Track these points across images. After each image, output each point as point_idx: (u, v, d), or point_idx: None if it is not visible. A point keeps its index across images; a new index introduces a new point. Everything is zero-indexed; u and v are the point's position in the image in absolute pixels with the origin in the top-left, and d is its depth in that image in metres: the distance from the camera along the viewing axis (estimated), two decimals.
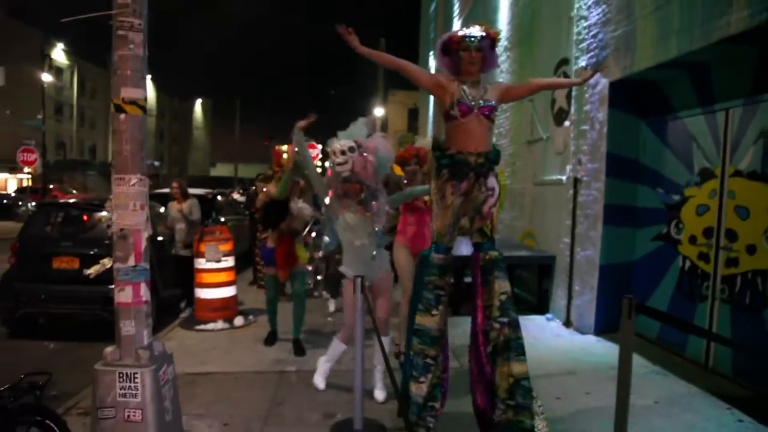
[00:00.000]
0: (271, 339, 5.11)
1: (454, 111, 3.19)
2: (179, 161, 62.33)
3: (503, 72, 8.43)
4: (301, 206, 5.01)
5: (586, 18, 5.60)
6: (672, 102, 4.92)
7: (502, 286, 3.26)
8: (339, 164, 3.53)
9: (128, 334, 2.78)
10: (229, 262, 5.79)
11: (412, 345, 3.27)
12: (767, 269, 3.79)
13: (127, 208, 2.75)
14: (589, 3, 5.54)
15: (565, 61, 6.10)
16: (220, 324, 5.56)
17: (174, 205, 6.33)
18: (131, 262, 2.77)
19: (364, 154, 3.56)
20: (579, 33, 5.74)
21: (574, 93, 5.85)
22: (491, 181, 3.31)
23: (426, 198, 4.36)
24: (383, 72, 24.89)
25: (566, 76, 6.03)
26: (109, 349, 2.81)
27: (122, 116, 2.73)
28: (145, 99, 2.83)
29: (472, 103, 3.19)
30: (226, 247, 5.76)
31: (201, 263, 5.67)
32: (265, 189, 5.66)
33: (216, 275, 5.64)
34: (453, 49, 3.24)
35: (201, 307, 5.69)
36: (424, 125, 18.38)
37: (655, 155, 5.12)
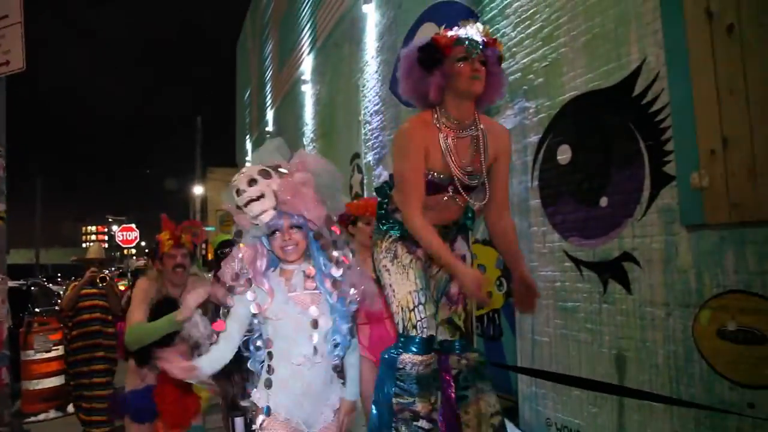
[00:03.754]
0: None
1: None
2: None
3: None
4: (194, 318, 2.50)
5: (369, 123, 7.13)
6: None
7: (491, 404, 2.33)
8: (249, 202, 1.93)
9: None
10: (59, 350, 5.98)
11: None
12: (500, 308, 5.34)
13: None
14: (371, 111, 7.08)
15: (357, 155, 7.56)
16: (52, 413, 5.69)
17: None
18: None
19: (293, 173, 1.98)
20: (365, 134, 7.25)
21: (365, 181, 7.29)
22: (460, 246, 2.42)
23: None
24: (201, 148, 25.28)
25: (359, 168, 7.47)
26: None
27: None
28: (6, 211, 3.42)
29: (461, 173, 2.21)
30: (56, 336, 5.96)
31: (29, 355, 5.79)
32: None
33: (47, 365, 5.79)
34: (445, 56, 2.15)
35: (30, 399, 5.75)
36: None
37: None
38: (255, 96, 16.23)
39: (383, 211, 2.40)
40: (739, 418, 2.64)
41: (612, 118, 3.41)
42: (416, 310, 2.19)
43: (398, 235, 2.32)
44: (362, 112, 7.39)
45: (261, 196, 1.92)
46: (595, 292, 3.57)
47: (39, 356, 5.80)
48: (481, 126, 2.28)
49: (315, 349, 1.94)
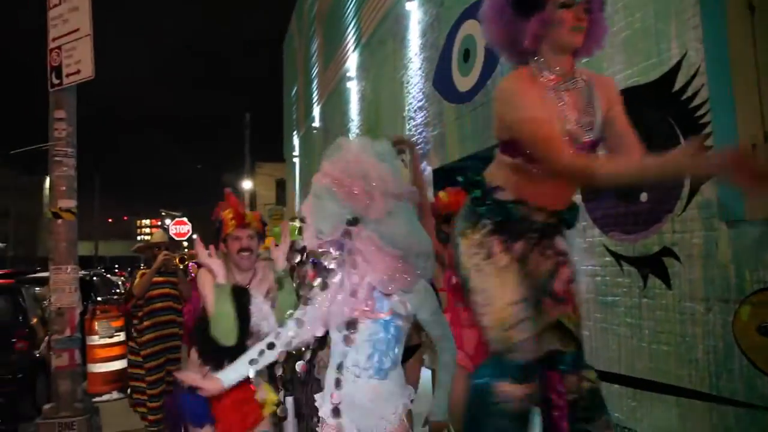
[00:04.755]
0: None
1: None
2: (27, 241, 57.33)
3: None
4: (263, 309, 2.49)
5: (413, 119, 7.24)
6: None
7: None
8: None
9: (65, 391, 3.52)
10: (121, 336, 6.36)
11: None
12: None
13: (63, 292, 3.57)
14: (415, 107, 7.19)
15: (401, 151, 7.68)
16: (115, 395, 6.06)
17: None
18: (67, 333, 3.56)
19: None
20: (410, 129, 7.36)
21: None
22: (561, 243, 2.02)
23: None
24: (249, 144, 25.98)
25: (403, 163, 7.58)
26: (47, 406, 3.53)
27: (59, 221, 3.58)
28: (77, 207, 3.71)
29: (576, 129, 1.86)
30: (118, 323, 6.34)
31: (93, 340, 6.18)
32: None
33: (110, 350, 6.17)
34: (543, 2, 1.81)
35: (95, 382, 6.14)
36: (292, 197, 19.56)
37: None
38: (302, 92, 16.56)
39: (479, 192, 1.96)
40: None
41: (652, 114, 3.41)
42: (518, 327, 1.76)
43: (497, 221, 1.91)
44: (406, 108, 7.50)
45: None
46: (635, 286, 3.59)
47: (102, 341, 6.18)
48: (584, 77, 1.96)
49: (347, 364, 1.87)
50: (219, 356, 2.30)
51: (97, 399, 5.99)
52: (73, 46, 3.35)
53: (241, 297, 2.36)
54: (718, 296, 2.99)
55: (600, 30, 1.94)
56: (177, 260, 4.41)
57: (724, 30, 2.88)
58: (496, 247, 1.90)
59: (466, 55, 5.77)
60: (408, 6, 7.21)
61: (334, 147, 2.01)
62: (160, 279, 4.41)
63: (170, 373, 4.30)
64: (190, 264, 5.46)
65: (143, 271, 4.51)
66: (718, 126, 2.95)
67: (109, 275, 15.54)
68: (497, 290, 1.83)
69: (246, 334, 2.34)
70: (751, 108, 2.73)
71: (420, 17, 7.03)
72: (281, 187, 28.39)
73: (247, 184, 26.67)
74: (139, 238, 55.53)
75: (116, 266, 30.28)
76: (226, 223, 2.54)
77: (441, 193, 2.98)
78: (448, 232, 2.86)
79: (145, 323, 4.35)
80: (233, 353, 2.21)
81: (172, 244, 4.95)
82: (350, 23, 10.40)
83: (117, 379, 6.18)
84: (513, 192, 1.94)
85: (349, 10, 10.49)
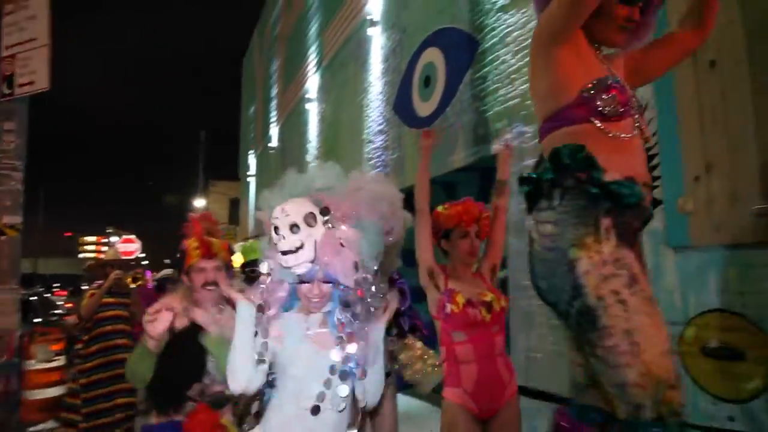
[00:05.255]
0: None
1: (607, 103, 1.58)
2: None
3: None
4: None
5: (373, 142, 7.30)
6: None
7: None
8: (286, 252, 1.71)
9: None
10: (60, 361, 6.04)
11: None
12: None
13: (2, 313, 3.38)
14: (375, 131, 7.26)
15: None
16: (51, 423, 5.73)
17: None
18: (4, 358, 3.36)
19: (336, 227, 1.76)
20: (368, 152, 7.42)
21: None
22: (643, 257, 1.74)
23: (485, 295, 2.50)
24: (203, 161, 25.60)
25: None
26: None
27: (1, 238, 3.41)
28: (21, 223, 3.55)
29: (631, 97, 1.69)
30: (58, 346, 6.03)
31: (30, 364, 5.84)
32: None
33: (47, 375, 5.83)
34: None
35: (29, 409, 5.79)
36: (246, 217, 19.28)
37: None
38: (260, 111, 16.47)
39: (597, 172, 1.52)
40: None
41: None
42: (677, 386, 1.39)
43: (616, 214, 1.51)
44: (365, 131, 7.57)
45: (299, 248, 1.69)
46: None
47: (40, 366, 5.85)
48: None
49: (324, 394, 1.68)
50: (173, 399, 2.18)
51: (32, 429, 5.65)
52: (29, 56, 3.24)
53: (196, 335, 2.17)
54: (664, 319, 3.10)
55: (645, 31, 1.81)
56: (130, 280, 4.12)
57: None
58: (635, 265, 1.48)
59: (427, 82, 5.90)
60: (370, 31, 7.33)
61: (338, 177, 1.85)
62: (111, 300, 4.11)
63: (120, 407, 3.95)
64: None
65: (92, 290, 4.14)
66: (665, 158, 3.10)
67: (47, 295, 14.84)
68: (649, 334, 1.41)
69: (202, 372, 2.16)
70: (695, 142, 2.90)
71: (382, 42, 7.15)
72: (235, 206, 27.93)
73: (200, 203, 26.15)
74: (80, 255, 53.28)
75: (56, 284, 28.80)
76: (190, 252, 2.28)
77: (439, 208, 2.73)
78: (447, 249, 2.70)
79: (92, 348, 4.00)
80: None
81: (125, 264, 4.65)
82: (312, 45, 10.47)
83: (54, 407, 5.84)
84: (615, 169, 1.53)
85: (311, 32, 10.56)
